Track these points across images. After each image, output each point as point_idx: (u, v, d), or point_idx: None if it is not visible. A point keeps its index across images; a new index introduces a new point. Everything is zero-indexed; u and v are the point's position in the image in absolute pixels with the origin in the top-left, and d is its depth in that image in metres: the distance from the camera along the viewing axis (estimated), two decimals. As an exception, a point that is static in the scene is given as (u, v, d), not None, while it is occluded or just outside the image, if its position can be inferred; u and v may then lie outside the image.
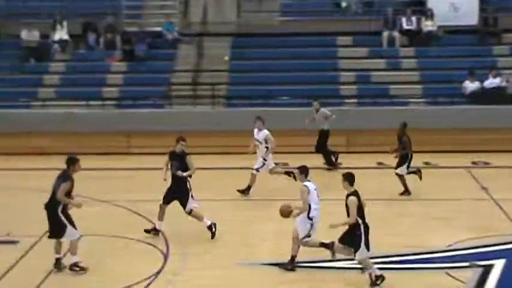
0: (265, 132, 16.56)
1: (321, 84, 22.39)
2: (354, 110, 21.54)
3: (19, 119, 20.95)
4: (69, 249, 12.23)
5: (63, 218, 11.90)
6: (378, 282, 11.29)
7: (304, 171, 12.15)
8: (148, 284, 11.72)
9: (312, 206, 11.91)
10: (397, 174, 16.61)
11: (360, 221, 11.21)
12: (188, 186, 13.70)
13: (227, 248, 13.37)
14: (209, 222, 13.78)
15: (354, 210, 11.13)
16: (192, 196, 13.65)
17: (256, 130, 16.64)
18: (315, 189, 12.06)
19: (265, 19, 24.62)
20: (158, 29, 24.20)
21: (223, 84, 22.54)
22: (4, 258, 12.76)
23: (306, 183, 12.02)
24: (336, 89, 22.42)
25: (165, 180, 13.80)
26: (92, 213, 15.31)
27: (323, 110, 19.30)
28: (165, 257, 12.92)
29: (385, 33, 23.81)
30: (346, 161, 19.26)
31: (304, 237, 12.01)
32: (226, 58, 23.51)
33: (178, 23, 24.55)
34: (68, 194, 11.91)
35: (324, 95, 21.72)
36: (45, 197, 12.12)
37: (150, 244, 13.54)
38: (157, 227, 13.81)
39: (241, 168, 17.75)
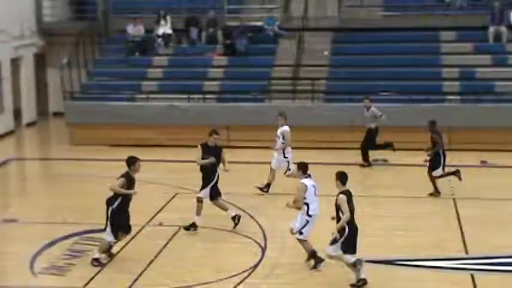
0: (285, 128, 16.42)
1: (423, 80, 21.99)
2: (456, 107, 21.04)
3: (123, 111, 21.51)
4: (99, 245, 12.53)
5: (109, 217, 12.23)
6: (359, 284, 11.25)
7: (301, 167, 12.02)
8: (246, 277, 11.83)
9: (310, 204, 11.78)
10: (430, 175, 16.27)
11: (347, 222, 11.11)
12: (214, 178, 13.82)
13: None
14: (233, 213, 14.05)
15: (345, 206, 11.02)
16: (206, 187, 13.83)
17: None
18: (313, 186, 11.90)
19: (367, 14, 24.36)
20: (259, 23, 24.34)
21: (323, 79, 22.45)
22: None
23: (304, 180, 11.88)
24: (439, 85, 21.94)
25: (226, 170, 14.05)
26: (192, 204, 15.60)
27: (373, 109, 19.00)
28: (263, 250, 13.01)
29: (492, 29, 23.09)
30: (447, 158, 18.84)
31: (297, 232, 11.90)
32: (326, 53, 23.41)
33: (279, 18, 24.61)
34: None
35: (425, 91, 21.38)
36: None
37: (248, 237, 13.66)
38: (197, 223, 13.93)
39: (340, 164, 17.67)
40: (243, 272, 11.98)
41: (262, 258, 12.65)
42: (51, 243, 13.41)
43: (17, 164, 20.53)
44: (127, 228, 12.47)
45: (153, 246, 13.15)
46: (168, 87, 22.52)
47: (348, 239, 11.19)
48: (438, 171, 16.16)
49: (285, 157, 16.35)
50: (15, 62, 24.04)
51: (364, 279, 11.26)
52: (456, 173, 16.35)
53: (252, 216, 14.85)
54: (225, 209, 14.13)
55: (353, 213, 11.24)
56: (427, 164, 16.36)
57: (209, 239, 13.71)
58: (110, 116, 21.37)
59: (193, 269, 12.24)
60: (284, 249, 13.05)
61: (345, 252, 11.24)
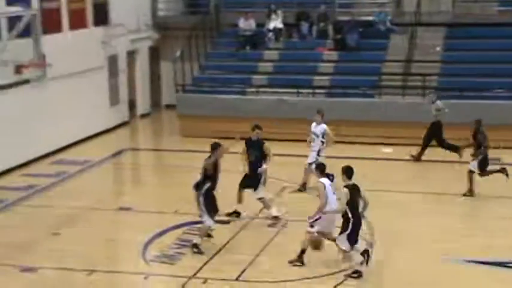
0: (324, 126, 16.07)
1: (540, 77, 21.22)
2: None
3: (233, 105, 21.82)
4: (199, 230, 12.92)
5: (202, 204, 12.65)
6: (354, 276, 11.57)
7: (319, 167, 12.31)
8: (348, 275, 11.77)
9: (328, 203, 11.90)
10: (469, 170, 15.84)
11: (350, 214, 11.51)
12: (263, 176, 14.07)
13: (425, 242, 13.15)
14: (275, 213, 14.12)
15: (343, 202, 11.51)
16: (264, 185, 14.07)
17: (314, 124, 16.21)
18: (330, 185, 12.02)
19: (482, 9, 23.69)
20: (370, 18, 24.12)
21: (434, 75, 22.02)
22: (219, 236, 13.45)
23: (322, 179, 12.03)
24: (556, 83, 21.12)
25: (244, 171, 14.27)
26: (300, 199, 15.72)
27: (438, 102, 18.68)
28: (370, 247, 12.91)
29: None
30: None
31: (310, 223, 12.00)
32: (438, 49, 22.94)
33: (391, 13, 24.30)
34: (211, 176, 12.69)
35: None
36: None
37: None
38: (237, 210, 14.33)
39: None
40: (345, 270, 11.94)
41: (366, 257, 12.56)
42: (163, 232, 13.82)
43: (130, 153, 21.24)
44: (217, 210, 12.96)
45: (261, 239, 13.30)
46: (278, 82, 22.66)
47: (351, 233, 11.59)
48: (475, 164, 15.81)
49: (319, 155, 15.94)
50: (131, 55, 24.82)
51: (361, 272, 11.57)
52: (503, 171, 16.07)
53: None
54: (238, 201, 14.46)
55: (357, 207, 11.60)
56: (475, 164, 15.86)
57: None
58: (220, 109, 21.73)
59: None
60: (392, 249, 12.94)
61: (351, 244, 11.65)
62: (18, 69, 13.88)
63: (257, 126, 14.56)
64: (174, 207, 15.02)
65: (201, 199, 12.73)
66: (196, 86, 23.14)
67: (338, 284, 11.49)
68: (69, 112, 20.49)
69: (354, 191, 11.62)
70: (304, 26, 24.15)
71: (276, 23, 24.12)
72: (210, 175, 12.77)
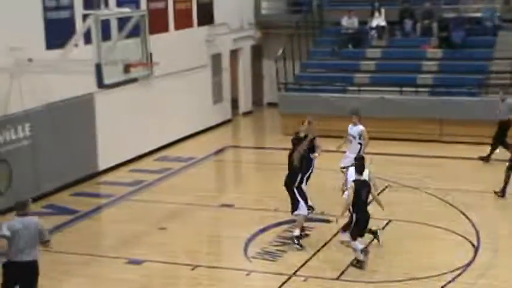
0: (361, 127, 15.50)
1: None
2: None
3: (335, 103, 21.77)
4: (296, 222, 13.00)
5: (297, 194, 12.84)
6: (357, 265, 11.93)
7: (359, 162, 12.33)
8: (458, 276, 11.58)
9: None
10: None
11: (352, 210, 11.87)
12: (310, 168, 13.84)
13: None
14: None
15: (350, 194, 11.79)
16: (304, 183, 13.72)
17: (350, 125, 15.70)
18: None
19: None
20: (477, 15, 23.51)
21: (544, 73, 21.27)
22: (319, 235, 13.52)
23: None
24: None
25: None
26: (401, 198, 15.54)
27: (510, 100, 18.05)
28: (476, 249, 12.66)
29: None
30: None
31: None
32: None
33: (500, 9, 23.60)
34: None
35: None
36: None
37: (460, 235, 13.35)
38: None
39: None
40: (455, 270, 11.73)
41: (474, 257, 12.32)
42: (264, 229, 13.96)
43: (233, 151, 21.53)
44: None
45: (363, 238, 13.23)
46: (380, 80, 22.43)
47: (355, 226, 11.86)
48: None
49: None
50: (233, 54, 25.14)
51: (363, 262, 11.87)
52: None
53: (464, 214, 14.50)
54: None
55: (361, 202, 11.80)
56: None
57: (419, 235, 13.55)
58: (321, 108, 21.66)
59: (402, 264, 12.19)
60: (497, 250, 12.62)
61: (353, 238, 11.88)
62: (126, 68, 14.29)
63: (308, 122, 14.42)
64: (275, 205, 15.12)
65: (295, 192, 12.90)
66: (298, 85, 23.21)
67: (444, 286, 11.30)
68: (173, 110, 20.98)
69: (361, 187, 11.81)
70: (408, 24, 23.78)
71: (379, 20, 23.87)
72: (301, 166, 13.00)
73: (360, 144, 15.50)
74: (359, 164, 12.14)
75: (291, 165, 13.01)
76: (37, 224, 9.73)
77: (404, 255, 12.55)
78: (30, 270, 9.75)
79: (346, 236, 12.45)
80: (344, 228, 12.71)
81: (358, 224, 11.95)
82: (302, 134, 13.50)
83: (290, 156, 13.12)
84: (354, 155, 14.62)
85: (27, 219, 9.68)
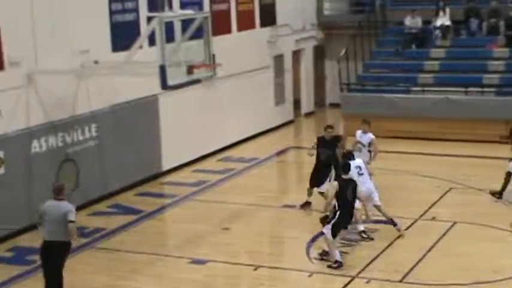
0: (371, 135, 15.26)
1: None
2: None
3: (398, 104, 21.57)
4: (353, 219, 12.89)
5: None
6: (334, 266, 12.00)
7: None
8: (523, 280, 11.39)
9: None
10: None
11: (337, 207, 11.99)
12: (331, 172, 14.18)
13: None
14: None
15: (332, 193, 12.14)
16: (329, 181, 14.14)
17: (359, 132, 15.45)
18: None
19: None
20: (547, 13, 23.00)
21: None
22: (382, 237, 13.45)
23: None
24: None
25: (311, 155, 15.05)
26: (466, 200, 15.33)
27: None
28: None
29: None
30: None
31: None
32: None
33: None
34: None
35: None
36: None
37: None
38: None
39: None
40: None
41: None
42: (326, 231, 13.93)
43: (295, 152, 21.53)
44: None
45: (426, 241, 13.10)
46: (445, 80, 22.13)
47: (337, 224, 11.98)
48: None
49: (368, 163, 15.02)
50: (296, 55, 25.15)
51: (341, 262, 12.00)
52: None
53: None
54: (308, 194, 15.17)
55: (345, 200, 12.01)
56: None
57: (484, 237, 13.33)
58: (385, 108, 21.51)
59: (467, 266, 12.02)
60: None
61: (333, 235, 12.01)
62: (189, 69, 14.44)
63: (329, 126, 15.01)
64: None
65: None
66: (361, 85, 23.09)
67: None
68: (236, 111, 21.12)
69: (347, 185, 12.08)
70: (474, 23, 23.39)
71: (443, 20, 23.54)
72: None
73: (370, 152, 15.43)
74: (343, 162, 12.62)
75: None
76: (67, 206, 10.29)
77: (469, 258, 12.37)
78: (55, 250, 10.30)
79: (327, 229, 12.17)
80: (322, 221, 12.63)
81: (340, 222, 12.01)
82: (328, 138, 14.79)
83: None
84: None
85: (60, 203, 10.33)
